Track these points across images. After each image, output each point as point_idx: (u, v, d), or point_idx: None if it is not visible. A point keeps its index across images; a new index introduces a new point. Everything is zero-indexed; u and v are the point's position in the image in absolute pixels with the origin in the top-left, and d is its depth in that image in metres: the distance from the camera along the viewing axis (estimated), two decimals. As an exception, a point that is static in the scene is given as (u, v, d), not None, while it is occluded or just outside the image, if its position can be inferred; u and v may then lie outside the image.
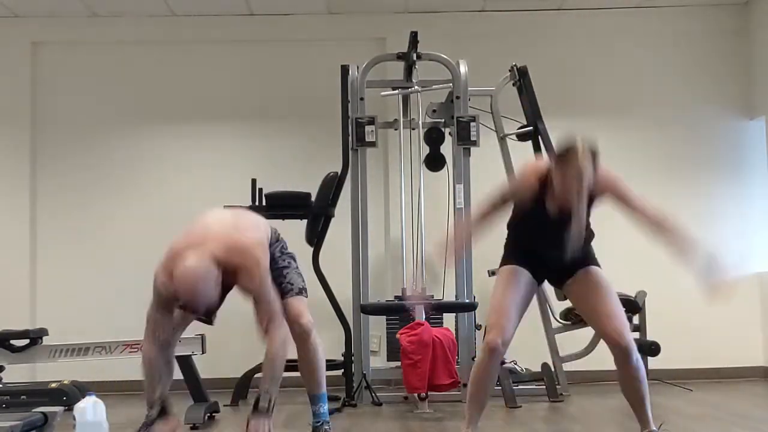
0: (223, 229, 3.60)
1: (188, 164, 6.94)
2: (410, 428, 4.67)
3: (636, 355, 3.27)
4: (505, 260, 3.46)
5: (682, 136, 6.96)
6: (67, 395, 4.79)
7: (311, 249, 5.82)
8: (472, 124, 5.72)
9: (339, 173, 5.78)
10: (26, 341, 5.11)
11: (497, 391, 5.12)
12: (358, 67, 5.88)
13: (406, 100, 6.13)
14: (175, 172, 6.93)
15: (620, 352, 3.25)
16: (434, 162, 6.04)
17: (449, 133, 5.90)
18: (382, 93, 6.05)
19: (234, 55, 6.99)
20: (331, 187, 5.76)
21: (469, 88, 5.82)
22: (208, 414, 4.82)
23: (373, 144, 5.76)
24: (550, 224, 3.32)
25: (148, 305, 3.72)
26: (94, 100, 6.98)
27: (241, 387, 5.77)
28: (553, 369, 5.78)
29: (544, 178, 3.31)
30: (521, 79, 5.90)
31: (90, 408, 3.78)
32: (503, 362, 5.80)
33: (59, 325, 5.63)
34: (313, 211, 5.77)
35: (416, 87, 5.90)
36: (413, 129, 6.04)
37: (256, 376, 5.85)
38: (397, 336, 5.31)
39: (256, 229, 3.77)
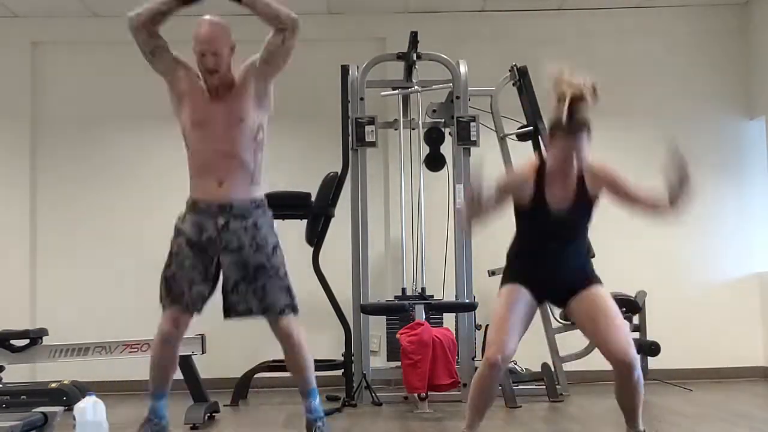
0: None
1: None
2: (410, 428, 4.67)
3: (639, 371, 3.24)
4: (506, 279, 3.43)
5: (682, 136, 6.91)
6: (67, 395, 4.80)
7: (311, 249, 5.82)
8: (472, 124, 5.72)
9: (339, 173, 5.78)
10: (26, 341, 5.11)
11: (497, 391, 5.12)
12: (358, 67, 5.88)
13: (406, 100, 6.13)
14: (175, 172, 6.90)
15: (624, 368, 3.22)
16: (434, 162, 6.05)
17: (449, 133, 5.90)
18: (382, 93, 6.05)
19: (234, 55, 6.96)
20: (331, 187, 5.76)
21: (469, 88, 5.82)
22: (208, 414, 4.82)
23: (373, 144, 5.76)
24: (551, 227, 3.31)
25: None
26: (94, 99, 6.98)
27: (241, 387, 5.77)
28: (553, 369, 5.78)
29: (540, 168, 3.33)
30: (521, 79, 5.90)
31: (90, 408, 3.79)
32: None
33: (59, 325, 5.64)
34: (313, 211, 5.77)
35: (416, 87, 5.91)
36: (413, 129, 6.04)
37: (256, 376, 5.87)
38: (397, 336, 5.31)
39: None
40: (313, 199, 5.79)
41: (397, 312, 5.78)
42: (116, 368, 5.69)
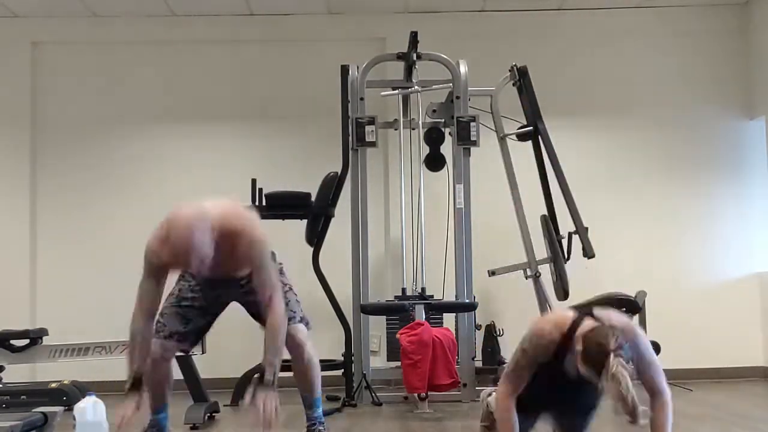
0: (219, 202, 3.48)
1: (188, 164, 6.94)
2: (410, 428, 4.67)
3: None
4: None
5: (682, 136, 6.96)
6: (67, 395, 4.81)
7: (311, 249, 5.82)
8: (472, 124, 5.72)
9: (339, 173, 5.78)
10: (26, 341, 5.12)
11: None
12: (358, 67, 5.88)
13: (406, 100, 6.13)
14: (175, 172, 6.93)
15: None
16: (434, 162, 6.05)
17: (449, 133, 5.91)
18: (382, 93, 6.05)
19: (234, 55, 6.98)
20: (331, 187, 5.76)
21: (469, 88, 5.82)
22: (208, 414, 4.82)
23: (373, 144, 5.76)
24: (564, 381, 3.06)
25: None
26: (94, 100, 6.98)
27: (241, 387, 5.76)
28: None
29: (565, 339, 3.05)
30: (521, 79, 5.90)
31: (90, 408, 3.79)
32: (502, 362, 5.83)
33: (59, 325, 5.64)
34: (313, 211, 5.77)
35: (416, 87, 5.90)
36: (413, 129, 6.04)
37: (255, 376, 5.86)
38: (397, 336, 5.31)
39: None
40: (313, 199, 5.78)
41: (397, 312, 5.78)
42: (116, 368, 5.66)
